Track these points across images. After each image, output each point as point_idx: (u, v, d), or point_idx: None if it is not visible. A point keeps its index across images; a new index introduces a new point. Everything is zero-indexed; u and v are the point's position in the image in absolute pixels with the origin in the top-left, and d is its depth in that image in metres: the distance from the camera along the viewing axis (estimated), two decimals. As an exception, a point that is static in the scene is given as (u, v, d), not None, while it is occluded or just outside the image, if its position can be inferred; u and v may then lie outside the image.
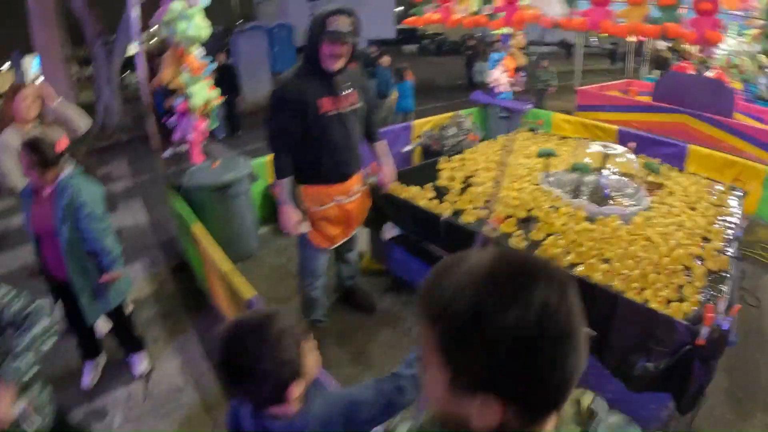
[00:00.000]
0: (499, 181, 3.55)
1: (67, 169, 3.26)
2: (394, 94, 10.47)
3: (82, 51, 15.69)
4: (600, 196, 4.42)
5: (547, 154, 4.80)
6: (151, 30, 5.18)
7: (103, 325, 4.11)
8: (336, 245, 4.10)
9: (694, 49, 13.14)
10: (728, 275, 3.39)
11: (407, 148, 7.79)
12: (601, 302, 3.17)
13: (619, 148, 4.70)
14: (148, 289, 5.42)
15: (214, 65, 5.48)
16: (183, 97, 5.16)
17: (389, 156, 4.25)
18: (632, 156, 4.73)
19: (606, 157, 4.55)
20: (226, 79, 9.85)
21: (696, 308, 2.98)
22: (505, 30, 8.16)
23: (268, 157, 3.88)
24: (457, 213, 4.16)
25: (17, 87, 3.88)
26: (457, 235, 4.01)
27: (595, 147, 4.70)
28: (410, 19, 8.12)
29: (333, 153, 3.66)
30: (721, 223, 4.16)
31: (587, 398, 1.06)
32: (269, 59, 16.71)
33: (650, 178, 4.92)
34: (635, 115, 10.23)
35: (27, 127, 3.87)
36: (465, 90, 14.46)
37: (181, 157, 5.82)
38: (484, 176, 4.80)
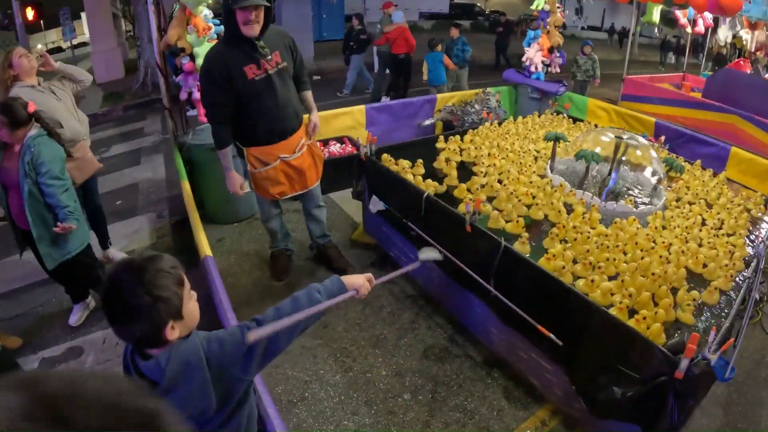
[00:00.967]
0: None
1: (34, 130, 3.52)
2: (424, 66, 10.03)
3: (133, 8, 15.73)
4: (611, 194, 3.98)
5: (555, 138, 4.32)
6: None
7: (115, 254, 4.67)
8: (285, 197, 4.24)
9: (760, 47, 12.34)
10: (734, 299, 2.98)
11: (427, 122, 7.43)
12: (574, 309, 2.81)
13: (640, 140, 4.21)
14: (148, 241, 5.48)
15: (221, 28, 5.24)
16: (189, 58, 5.17)
17: (313, 104, 4.26)
18: (650, 149, 4.24)
19: (619, 147, 4.07)
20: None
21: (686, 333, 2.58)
22: (543, 5, 7.65)
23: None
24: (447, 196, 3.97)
25: (8, 51, 4.06)
26: (436, 215, 3.75)
27: (610, 135, 4.21)
28: None
29: (268, 115, 3.80)
30: (745, 236, 3.74)
31: None
32: (314, 26, 16.68)
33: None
34: (682, 111, 9.66)
35: (34, 80, 4.09)
36: (494, 71, 14.02)
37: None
38: (487, 163, 4.56)
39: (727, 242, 3.57)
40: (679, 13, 10.48)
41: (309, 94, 4.21)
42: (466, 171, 4.36)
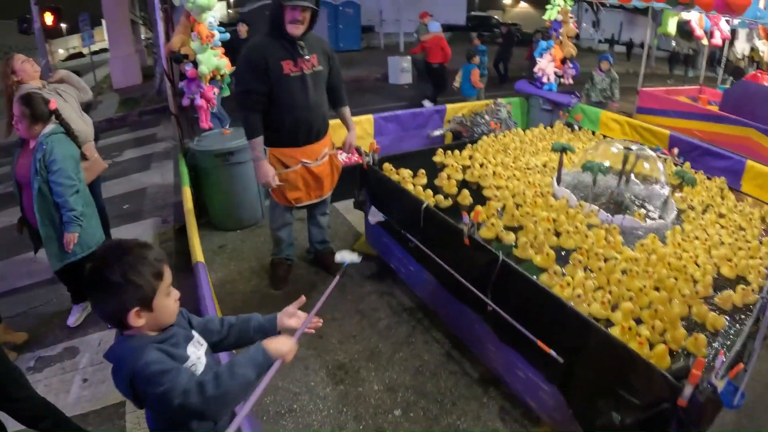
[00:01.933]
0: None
1: (49, 127, 3.51)
2: (458, 75, 10.10)
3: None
4: (615, 204, 3.83)
5: (561, 149, 4.18)
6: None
7: None
8: (300, 206, 4.27)
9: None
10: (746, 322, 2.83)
11: (437, 132, 7.32)
12: (572, 327, 2.65)
13: (648, 151, 4.07)
14: (151, 246, 5.34)
15: (226, 36, 5.42)
16: (192, 64, 5.18)
17: (351, 121, 4.40)
18: (659, 162, 4.10)
19: (628, 158, 3.93)
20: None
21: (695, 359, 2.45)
22: (556, 16, 7.53)
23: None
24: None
25: (7, 59, 4.06)
26: (435, 227, 3.61)
27: (619, 146, 4.08)
28: None
29: (296, 113, 3.84)
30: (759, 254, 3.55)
31: None
32: (330, 37, 16.78)
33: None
34: (699, 124, 9.48)
35: (38, 83, 4.07)
36: (495, 86, 13.89)
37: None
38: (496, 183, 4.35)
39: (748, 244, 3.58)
40: (695, 24, 10.29)
41: (347, 111, 4.32)
42: (470, 190, 4.16)
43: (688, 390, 2.09)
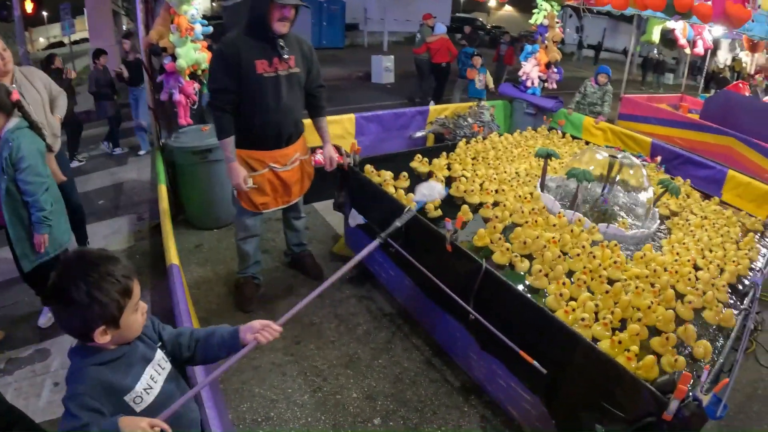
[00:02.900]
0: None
1: (13, 121, 3.30)
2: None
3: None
4: (599, 211, 3.81)
5: (546, 155, 4.14)
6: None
7: None
8: (268, 211, 4.05)
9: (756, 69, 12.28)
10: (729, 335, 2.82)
11: (419, 133, 7.27)
12: (556, 339, 2.62)
13: (633, 159, 4.05)
14: (126, 243, 5.34)
15: (209, 29, 5.29)
16: (171, 58, 5.07)
17: (328, 135, 4.19)
18: (644, 170, 4.09)
19: (613, 167, 3.91)
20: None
21: (676, 371, 2.40)
22: (542, 20, 7.52)
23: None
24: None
25: None
26: (417, 232, 3.54)
27: (604, 154, 4.05)
28: None
29: (266, 115, 3.67)
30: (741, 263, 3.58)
31: None
32: (313, 34, 16.73)
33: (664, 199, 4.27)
34: (680, 132, 9.57)
35: (7, 79, 3.81)
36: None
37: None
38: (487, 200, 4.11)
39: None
40: (678, 33, 10.37)
41: (324, 122, 4.14)
42: (455, 206, 3.97)
43: (673, 405, 2.07)
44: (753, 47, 11.52)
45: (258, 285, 4.34)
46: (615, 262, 3.23)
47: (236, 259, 4.40)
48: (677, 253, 3.53)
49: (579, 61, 29.02)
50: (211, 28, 5.31)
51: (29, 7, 13.28)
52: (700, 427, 2.18)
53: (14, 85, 3.77)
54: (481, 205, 4.02)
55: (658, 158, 5.49)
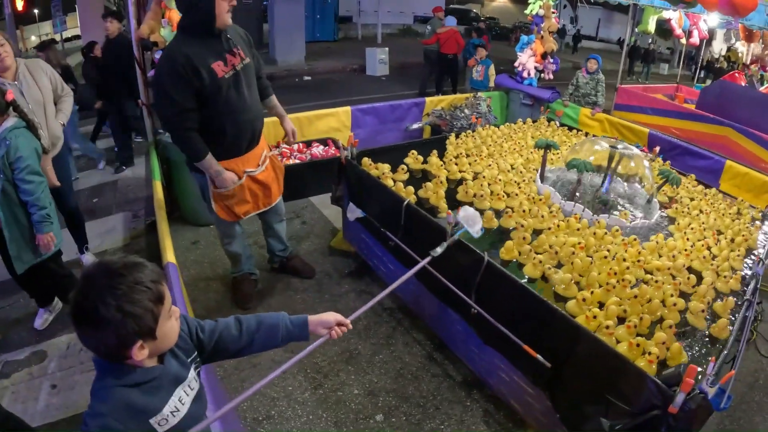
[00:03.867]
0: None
1: (10, 121, 3.24)
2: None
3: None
4: (599, 202, 3.78)
5: (546, 146, 4.11)
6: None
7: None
8: (249, 216, 3.88)
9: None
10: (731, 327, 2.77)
11: (415, 125, 7.24)
12: (560, 332, 2.59)
13: (634, 150, 4.02)
14: (121, 242, 5.27)
15: None
16: (162, 52, 4.87)
17: (282, 109, 4.03)
18: (645, 160, 4.07)
19: (613, 157, 3.88)
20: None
21: (680, 363, 2.39)
22: (538, 10, 7.48)
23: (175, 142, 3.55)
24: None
25: None
26: (416, 225, 3.52)
27: (604, 145, 4.02)
28: None
29: (237, 117, 3.43)
30: (742, 254, 3.57)
31: None
32: (307, 27, 16.75)
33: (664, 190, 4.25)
34: (676, 122, 9.56)
35: (9, 75, 3.74)
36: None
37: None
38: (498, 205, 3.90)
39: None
40: (674, 23, 10.34)
41: (275, 99, 3.96)
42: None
43: (680, 398, 2.04)
44: (749, 37, 11.50)
45: (255, 281, 4.29)
46: (639, 261, 3.19)
47: (221, 257, 4.37)
48: (688, 239, 3.58)
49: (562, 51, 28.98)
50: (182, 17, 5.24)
51: (20, 4, 13.18)
52: (705, 419, 2.17)
53: (16, 82, 3.71)
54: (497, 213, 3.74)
55: (657, 149, 5.46)
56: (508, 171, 4.32)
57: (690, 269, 3.25)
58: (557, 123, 6.12)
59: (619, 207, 3.92)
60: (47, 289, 3.94)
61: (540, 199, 3.78)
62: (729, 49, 14.40)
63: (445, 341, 3.71)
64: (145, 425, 1.42)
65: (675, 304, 2.77)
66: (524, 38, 7.87)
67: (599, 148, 4.07)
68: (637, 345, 2.47)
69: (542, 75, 7.90)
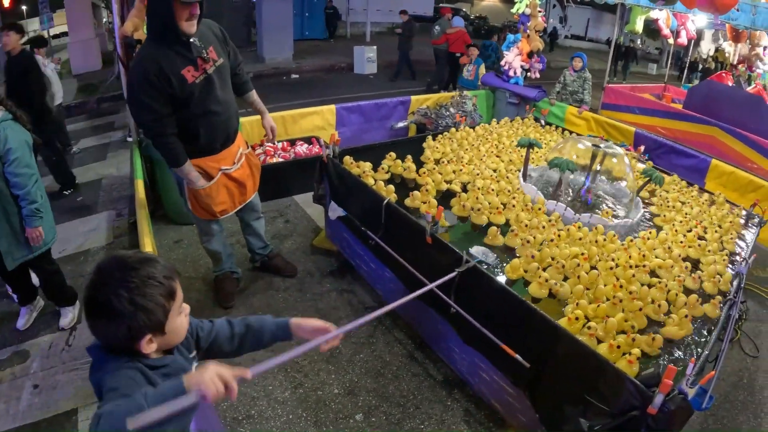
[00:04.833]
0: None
1: None
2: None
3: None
4: (581, 202, 3.76)
5: (528, 145, 4.08)
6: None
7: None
8: (227, 215, 3.85)
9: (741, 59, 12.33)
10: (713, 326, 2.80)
11: (400, 124, 7.21)
12: (539, 332, 2.57)
13: (617, 149, 4.01)
14: (105, 240, 5.21)
15: None
16: None
17: (262, 105, 3.96)
18: (626, 159, 4.06)
19: (596, 156, 3.86)
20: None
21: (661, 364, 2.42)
22: (524, 9, 7.47)
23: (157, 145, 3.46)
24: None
25: None
26: (396, 224, 3.48)
27: (587, 143, 4.00)
28: None
29: (211, 120, 3.42)
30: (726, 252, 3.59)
31: None
32: (295, 24, 16.73)
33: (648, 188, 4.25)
34: (663, 121, 9.58)
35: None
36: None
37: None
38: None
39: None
40: (662, 23, 10.38)
41: (255, 95, 3.91)
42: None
43: (658, 399, 2.02)
44: (736, 37, 11.54)
45: (238, 279, 4.25)
46: (644, 266, 3.17)
47: (202, 256, 4.35)
48: (677, 231, 3.65)
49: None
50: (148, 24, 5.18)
51: (6, 0, 13.05)
52: (686, 420, 2.15)
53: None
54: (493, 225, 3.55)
55: (642, 147, 5.46)
56: (492, 175, 4.23)
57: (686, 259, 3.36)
58: (543, 122, 6.10)
59: (603, 206, 3.91)
60: (31, 286, 3.90)
61: (539, 209, 3.68)
62: (717, 50, 14.45)
63: (426, 340, 3.68)
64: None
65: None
66: (511, 37, 7.85)
67: (582, 147, 4.05)
68: (618, 347, 2.45)
69: (528, 74, 7.88)
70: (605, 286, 2.92)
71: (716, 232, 3.81)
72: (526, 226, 3.44)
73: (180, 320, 1.49)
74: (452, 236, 3.43)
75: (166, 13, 2.97)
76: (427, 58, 13.29)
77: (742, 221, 4.20)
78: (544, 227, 3.48)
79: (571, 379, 2.44)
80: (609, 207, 3.87)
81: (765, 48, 12.10)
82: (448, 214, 3.60)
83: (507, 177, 4.24)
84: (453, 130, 5.31)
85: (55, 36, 17.29)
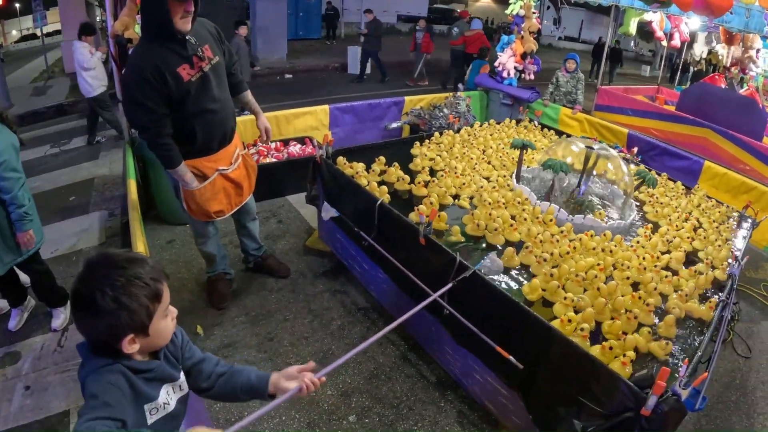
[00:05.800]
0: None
1: None
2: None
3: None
4: (575, 203, 3.76)
5: (522, 146, 4.08)
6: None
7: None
8: (224, 216, 3.81)
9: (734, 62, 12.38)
10: (707, 327, 2.80)
11: (394, 124, 7.22)
12: (532, 333, 2.56)
13: (610, 151, 4.02)
14: (97, 241, 5.17)
15: None
16: None
17: (257, 106, 3.95)
18: (621, 161, 4.06)
19: (590, 158, 3.87)
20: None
21: (655, 364, 2.41)
22: (518, 10, 7.48)
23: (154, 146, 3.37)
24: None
25: None
26: (389, 225, 3.47)
27: (581, 145, 4.01)
28: None
29: (207, 118, 3.37)
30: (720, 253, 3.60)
31: None
32: (290, 24, 16.74)
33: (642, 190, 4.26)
34: (656, 123, 9.62)
35: None
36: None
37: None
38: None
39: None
40: (655, 25, 10.41)
41: (249, 95, 3.88)
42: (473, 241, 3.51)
43: (652, 400, 2.02)
44: (729, 40, 11.58)
45: (231, 281, 4.22)
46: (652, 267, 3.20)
47: (193, 257, 4.34)
48: (676, 225, 3.84)
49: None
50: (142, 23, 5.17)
51: (-1, -1, 12.98)
52: (679, 421, 2.15)
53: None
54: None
55: (635, 149, 5.48)
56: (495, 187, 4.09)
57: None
58: (536, 123, 6.10)
59: (596, 207, 3.91)
60: (20, 288, 3.86)
61: (550, 219, 3.59)
62: (710, 52, 14.50)
63: (419, 342, 3.67)
64: (139, 409, 1.44)
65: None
66: (504, 38, 7.86)
67: (576, 148, 4.05)
68: (610, 348, 2.45)
69: (523, 75, 7.89)
70: (623, 296, 2.90)
71: (714, 223, 4.04)
72: (541, 241, 3.33)
73: (165, 323, 1.49)
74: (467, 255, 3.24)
75: (161, 11, 2.93)
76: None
77: (733, 220, 4.25)
78: (558, 240, 3.36)
79: (565, 381, 2.43)
80: (601, 209, 3.87)
81: (758, 51, 12.15)
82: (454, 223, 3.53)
83: (508, 185, 4.15)
84: (437, 134, 5.21)
85: (48, 34, 17.18)
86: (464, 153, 4.75)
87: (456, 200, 3.93)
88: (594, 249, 3.33)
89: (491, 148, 5.04)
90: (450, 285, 2.75)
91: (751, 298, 5.00)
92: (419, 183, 4.02)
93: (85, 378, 1.37)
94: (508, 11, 7.76)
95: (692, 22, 10.56)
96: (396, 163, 4.25)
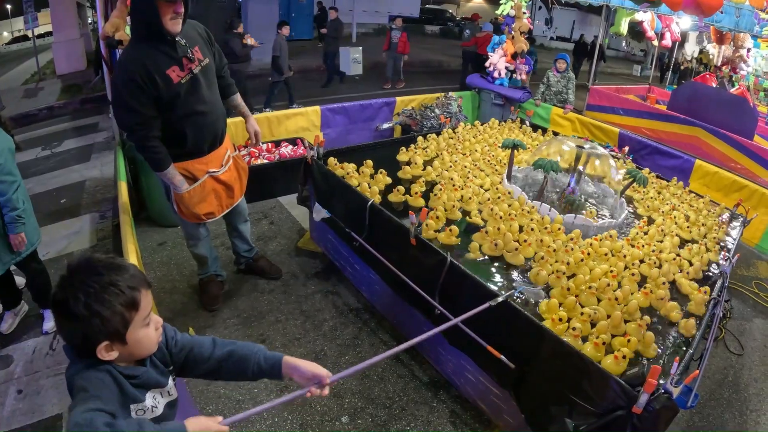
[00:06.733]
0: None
1: None
2: None
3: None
4: (566, 203, 3.77)
5: (513, 146, 4.08)
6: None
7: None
8: (215, 218, 3.78)
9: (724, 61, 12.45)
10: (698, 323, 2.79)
11: (385, 125, 7.23)
12: (524, 332, 2.56)
13: (600, 150, 4.02)
14: (88, 243, 5.12)
15: None
16: None
17: (246, 108, 3.94)
18: (612, 160, 4.06)
19: (580, 157, 3.87)
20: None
21: (646, 362, 2.40)
22: (509, 11, 7.49)
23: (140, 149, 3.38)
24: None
25: None
26: (380, 225, 3.46)
27: (572, 144, 4.01)
28: None
29: (197, 120, 3.35)
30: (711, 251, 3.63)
31: None
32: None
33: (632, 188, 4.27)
34: (647, 122, 9.65)
35: None
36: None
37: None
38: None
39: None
40: (646, 25, 10.45)
41: (238, 98, 3.87)
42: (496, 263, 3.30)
43: (643, 398, 2.03)
44: (720, 39, 11.65)
45: (222, 282, 4.20)
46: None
47: (185, 259, 4.33)
48: (672, 216, 3.98)
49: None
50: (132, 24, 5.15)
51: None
52: (671, 418, 2.15)
53: None
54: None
55: (626, 148, 5.49)
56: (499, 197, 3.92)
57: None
58: (527, 123, 6.10)
59: (587, 207, 3.91)
60: (15, 290, 3.86)
61: (558, 229, 3.48)
62: (701, 51, 14.58)
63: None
64: (126, 408, 1.43)
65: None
66: (495, 38, 7.88)
67: (567, 148, 4.05)
68: (603, 343, 2.45)
69: (514, 75, 7.89)
70: (632, 294, 2.91)
71: (700, 219, 4.12)
72: (554, 251, 3.23)
73: (145, 332, 1.45)
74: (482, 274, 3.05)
75: (150, 12, 2.91)
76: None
77: (725, 218, 4.29)
78: (572, 249, 3.26)
79: (557, 380, 2.44)
80: (592, 208, 3.87)
81: (748, 50, 12.23)
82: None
83: (509, 193, 4.02)
84: (421, 138, 5.07)
85: (40, 36, 17.10)
86: (455, 161, 4.56)
87: (468, 217, 3.69)
88: (606, 255, 3.29)
89: (476, 151, 4.90)
90: (487, 305, 2.62)
91: (742, 295, 5.02)
92: (416, 194, 3.79)
93: (72, 376, 1.37)
94: (498, 11, 7.78)
95: (683, 21, 10.61)
96: (383, 170, 4.13)
